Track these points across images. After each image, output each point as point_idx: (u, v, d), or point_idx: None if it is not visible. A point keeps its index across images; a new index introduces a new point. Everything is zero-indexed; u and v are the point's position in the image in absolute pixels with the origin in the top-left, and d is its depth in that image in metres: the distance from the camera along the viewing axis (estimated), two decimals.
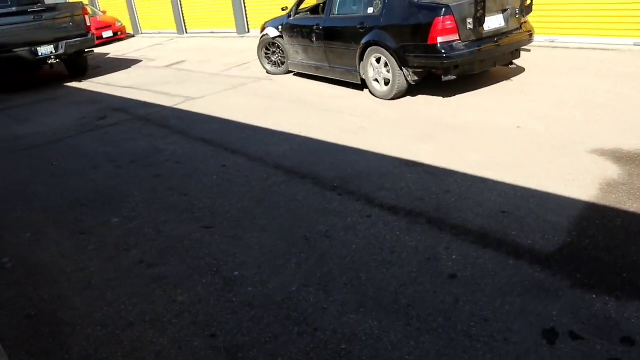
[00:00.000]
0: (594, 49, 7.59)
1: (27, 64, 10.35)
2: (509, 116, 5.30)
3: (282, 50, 8.15)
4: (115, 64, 12.92)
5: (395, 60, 6.03)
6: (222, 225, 3.78)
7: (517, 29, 6.28)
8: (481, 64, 5.99)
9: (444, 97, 6.22)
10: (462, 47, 5.72)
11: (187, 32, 16.26)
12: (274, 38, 8.15)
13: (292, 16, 7.74)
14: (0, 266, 3.60)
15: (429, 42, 5.70)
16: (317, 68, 7.45)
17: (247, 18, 14.05)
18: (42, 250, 3.74)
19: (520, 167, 4.13)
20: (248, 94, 7.68)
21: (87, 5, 18.98)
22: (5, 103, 9.77)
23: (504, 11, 6.10)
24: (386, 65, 6.21)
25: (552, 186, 3.77)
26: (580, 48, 7.74)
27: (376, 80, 6.44)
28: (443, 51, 5.65)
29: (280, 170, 4.64)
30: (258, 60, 8.89)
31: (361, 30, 6.39)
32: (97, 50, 16.12)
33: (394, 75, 6.14)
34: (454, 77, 5.87)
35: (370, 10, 6.37)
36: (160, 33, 17.37)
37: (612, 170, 3.91)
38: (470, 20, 5.79)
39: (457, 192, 3.84)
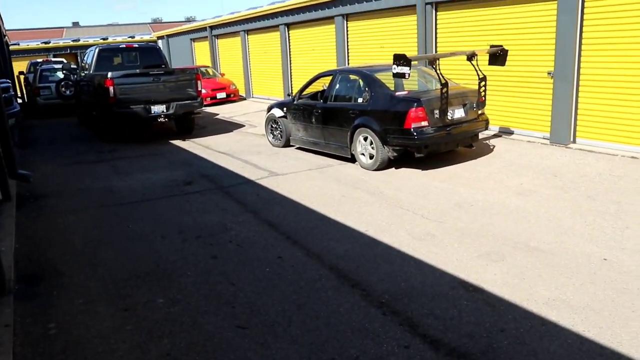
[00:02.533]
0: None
1: (140, 120, 11.39)
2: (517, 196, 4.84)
3: (281, 128, 9.82)
4: (220, 126, 13.79)
5: (379, 139, 7.66)
6: (257, 327, 3.74)
7: (475, 119, 8.06)
8: (446, 145, 7.78)
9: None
10: (431, 131, 7.44)
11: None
12: (278, 117, 9.82)
13: (295, 100, 9.42)
14: (45, 331, 3.82)
15: (405, 127, 7.39)
16: (315, 143, 9.10)
17: None
18: (85, 324, 3.92)
19: (595, 312, 3.71)
20: (330, 177, 7.78)
21: (208, 67, 20.81)
22: (115, 153, 10.73)
23: (464, 105, 7.90)
24: (371, 143, 7.83)
25: (628, 347, 3.32)
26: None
27: (362, 154, 8.05)
28: (415, 134, 7.36)
29: (334, 272, 4.55)
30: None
31: (352, 115, 8.09)
32: (209, 109, 17.44)
33: (377, 151, 7.75)
34: (423, 155, 7.53)
35: (360, 99, 8.11)
36: (269, 99, 18.37)
37: None
38: (437, 111, 7.51)
39: (513, 332, 3.51)
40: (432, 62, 7.56)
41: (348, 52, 13.78)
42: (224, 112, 16.67)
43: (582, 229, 5.29)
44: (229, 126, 13.64)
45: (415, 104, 7.34)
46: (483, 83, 8.03)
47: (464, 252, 4.85)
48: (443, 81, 7.48)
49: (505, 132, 9.79)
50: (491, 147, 8.93)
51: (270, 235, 5.49)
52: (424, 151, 7.52)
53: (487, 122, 8.27)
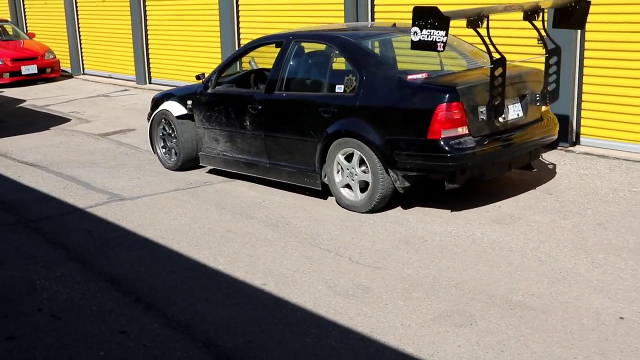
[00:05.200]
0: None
1: None
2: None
3: (182, 135, 8.65)
4: (28, 120, 13.34)
5: (379, 158, 6.69)
6: None
7: (538, 120, 7.23)
8: (493, 167, 6.93)
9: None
10: (473, 144, 6.46)
11: (150, 82, 16.80)
12: (177, 117, 8.68)
13: (210, 87, 8.39)
14: None
15: (429, 137, 6.40)
16: (250, 165, 8.08)
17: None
18: None
19: None
20: (209, 201, 7.64)
21: (5, 22, 20.03)
22: None
23: (521, 98, 7.00)
24: (362, 163, 6.88)
25: None
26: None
27: (347, 185, 7.11)
28: (448, 149, 6.35)
29: (211, 354, 4.45)
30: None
31: (325, 115, 7.12)
32: (10, 92, 16.80)
33: (375, 179, 6.76)
34: (457, 185, 6.61)
35: (340, 88, 7.14)
36: (112, 77, 18.03)
37: None
38: (482, 109, 6.56)
39: None
40: (476, 21, 6.49)
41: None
42: (35, 97, 16.12)
43: (588, 273, 5.40)
44: (44, 120, 13.19)
45: (447, 95, 6.34)
46: (554, 59, 7.13)
47: (413, 314, 4.85)
48: (497, 56, 6.51)
49: None
50: None
51: (110, 297, 5.34)
52: (461, 179, 6.56)
53: (556, 125, 7.51)
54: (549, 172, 8.12)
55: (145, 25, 16.54)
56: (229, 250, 6.17)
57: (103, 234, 6.76)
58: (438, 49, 6.07)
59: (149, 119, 9.28)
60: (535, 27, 7.02)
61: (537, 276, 5.37)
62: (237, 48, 13.44)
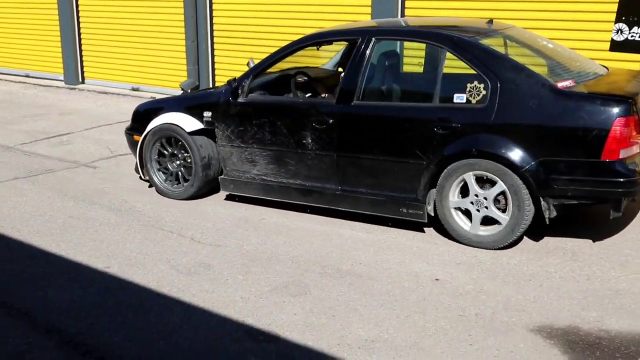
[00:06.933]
0: None
1: None
2: None
3: (199, 156, 6.70)
4: None
5: (526, 184, 5.37)
6: None
7: None
8: None
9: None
10: None
11: (84, 82, 14.48)
12: (190, 133, 6.70)
13: (242, 94, 6.54)
14: None
15: (603, 157, 5.21)
16: (307, 192, 6.36)
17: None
18: None
19: (425, 352, 4.05)
20: (51, 189, 7.39)
21: None
22: None
23: None
24: (496, 189, 5.48)
25: None
26: None
27: (463, 211, 5.70)
28: (625, 172, 5.22)
29: (53, 337, 4.37)
30: (83, 133, 8.69)
31: (440, 132, 5.61)
32: None
33: (518, 210, 5.41)
34: (620, 214, 5.42)
35: (461, 98, 5.62)
36: (17, 75, 15.45)
37: None
38: None
39: None
40: None
41: None
42: None
43: (408, 242, 5.79)
44: None
45: (624, 107, 5.19)
46: None
47: (252, 287, 4.98)
48: None
49: None
50: None
51: None
52: (623, 205, 5.42)
53: None
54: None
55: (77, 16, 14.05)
56: (72, 236, 6.03)
57: None
58: None
59: (129, 134, 7.48)
60: None
61: (365, 246, 5.67)
62: (209, 46, 11.88)
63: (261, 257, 5.52)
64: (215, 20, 11.63)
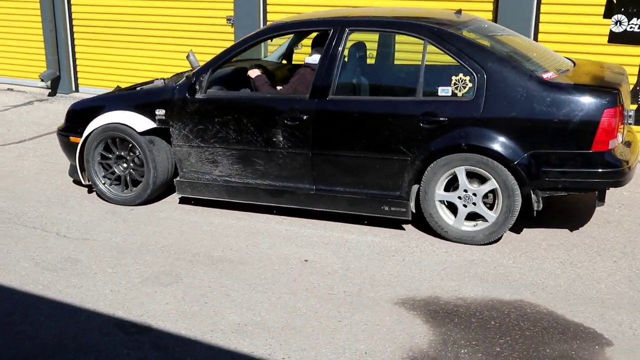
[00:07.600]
0: None
1: None
2: None
3: (149, 159, 6.12)
4: None
5: (516, 177, 5.29)
6: None
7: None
8: None
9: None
10: (626, 152, 5.47)
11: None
12: (141, 133, 6.11)
13: (200, 90, 5.98)
14: None
15: (594, 149, 5.21)
16: (278, 193, 5.95)
17: None
18: None
19: (296, 331, 4.14)
20: None
21: None
22: None
23: None
24: (483, 183, 5.40)
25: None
26: None
27: (447, 209, 5.56)
28: (613, 162, 5.25)
29: None
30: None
31: (426, 127, 5.42)
32: None
33: (511, 205, 5.31)
34: (603, 204, 5.58)
35: (445, 91, 5.45)
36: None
37: (421, 336, 4.10)
38: (632, 113, 5.55)
39: None
40: None
41: None
42: None
43: (278, 225, 5.88)
44: None
45: (612, 99, 5.19)
46: None
47: (123, 279, 4.93)
48: None
49: None
50: None
51: None
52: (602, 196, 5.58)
53: None
54: None
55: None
56: None
57: None
58: None
59: (63, 135, 6.68)
60: None
61: (235, 232, 5.71)
62: (69, 35, 11.32)
63: (131, 248, 5.45)
64: (73, 9, 11.13)
